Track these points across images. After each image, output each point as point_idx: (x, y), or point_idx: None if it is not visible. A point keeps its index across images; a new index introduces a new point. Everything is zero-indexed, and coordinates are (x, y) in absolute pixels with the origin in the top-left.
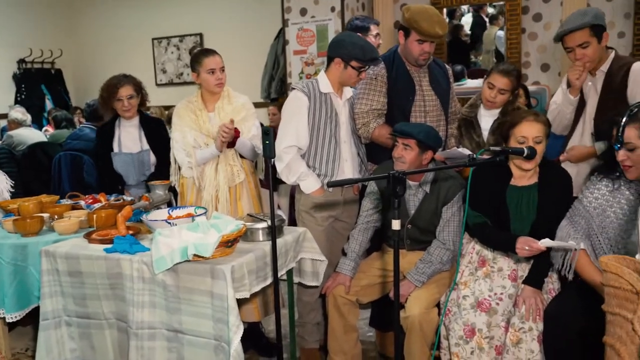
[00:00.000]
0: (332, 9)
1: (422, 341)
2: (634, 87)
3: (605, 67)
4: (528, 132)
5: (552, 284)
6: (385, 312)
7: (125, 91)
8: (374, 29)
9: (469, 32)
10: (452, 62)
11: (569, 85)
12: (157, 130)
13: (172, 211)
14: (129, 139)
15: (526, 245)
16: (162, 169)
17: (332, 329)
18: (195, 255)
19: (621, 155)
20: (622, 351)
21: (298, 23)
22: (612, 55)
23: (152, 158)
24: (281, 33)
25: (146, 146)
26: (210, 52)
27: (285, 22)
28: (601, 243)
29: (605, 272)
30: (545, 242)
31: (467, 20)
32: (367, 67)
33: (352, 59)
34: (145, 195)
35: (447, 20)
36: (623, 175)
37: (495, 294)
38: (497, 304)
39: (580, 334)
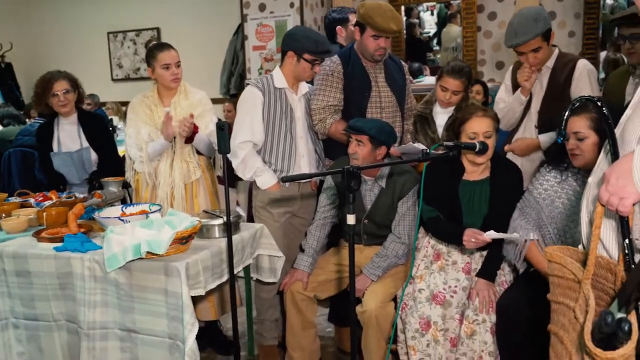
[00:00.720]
0: (291, 5)
1: (379, 335)
2: (578, 83)
3: (550, 63)
4: (478, 127)
5: (504, 276)
6: (343, 307)
7: (60, 85)
8: (353, 18)
9: (427, 30)
10: (409, 59)
11: (514, 85)
12: (97, 127)
13: (125, 208)
14: (68, 137)
15: (472, 237)
16: (105, 166)
17: (290, 325)
18: (148, 252)
19: (571, 144)
20: (565, 338)
21: (257, 18)
22: (556, 52)
23: (93, 155)
24: (240, 28)
25: (85, 144)
26: (166, 46)
27: (244, 18)
28: (550, 233)
29: (550, 262)
30: (491, 234)
31: (426, 18)
32: (320, 60)
33: (305, 52)
34: (98, 193)
35: (405, 18)
36: (571, 166)
37: (450, 286)
38: (452, 296)
39: (530, 323)
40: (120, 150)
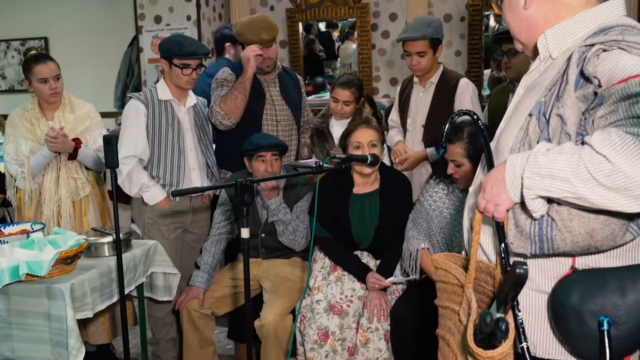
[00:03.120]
0: (188, 18)
1: (278, 349)
2: (460, 101)
3: (435, 79)
4: (362, 137)
5: (396, 285)
6: (243, 323)
7: None
8: None
9: (323, 47)
10: (309, 75)
11: (401, 105)
12: None
13: (4, 228)
14: None
15: (376, 283)
16: None
17: (188, 344)
18: (28, 274)
19: (450, 169)
20: (451, 341)
21: (153, 30)
22: (441, 68)
23: None
24: (135, 40)
25: None
26: (42, 58)
27: (138, 29)
28: (439, 242)
29: (436, 268)
30: (391, 279)
31: (324, 36)
32: (189, 63)
33: (172, 56)
34: None
35: (304, 34)
36: None
37: (346, 296)
38: (348, 305)
39: (422, 329)
40: (0, 167)
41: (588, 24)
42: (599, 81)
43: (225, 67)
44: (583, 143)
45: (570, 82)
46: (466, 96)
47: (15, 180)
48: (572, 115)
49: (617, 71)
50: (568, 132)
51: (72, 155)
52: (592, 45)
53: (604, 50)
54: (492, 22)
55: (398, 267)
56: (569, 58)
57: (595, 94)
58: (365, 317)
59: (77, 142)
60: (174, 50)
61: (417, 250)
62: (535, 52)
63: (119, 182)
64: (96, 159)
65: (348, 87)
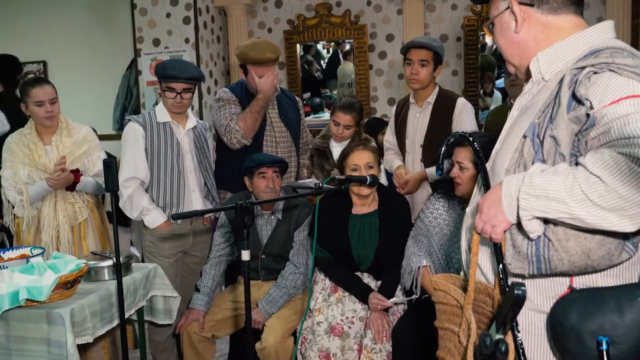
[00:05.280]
0: (187, 40)
1: None
2: (459, 120)
3: (431, 98)
4: (359, 159)
5: (397, 305)
6: (243, 345)
7: None
8: None
9: (320, 67)
10: (306, 96)
11: (397, 126)
12: None
13: (3, 253)
14: None
15: (378, 304)
16: None
17: None
18: (28, 299)
19: (454, 172)
20: None
21: (151, 53)
22: (438, 88)
23: None
24: (133, 63)
25: None
26: (39, 82)
27: (137, 52)
28: (440, 259)
29: (435, 290)
30: (393, 300)
31: (325, 56)
32: (172, 87)
33: (159, 78)
34: None
35: (302, 54)
36: (457, 196)
37: (347, 317)
38: (349, 327)
39: (423, 350)
40: None
41: (579, 47)
42: (590, 103)
43: (223, 88)
44: (577, 164)
45: (562, 104)
46: (464, 116)
47: (14, 207)
48: (565, 136)
49: (608, 93)
50: (562, 153)
51: (70, 188)
52: (583, 67)
53: (595, 73)
54: (488, 41)
55: (399, 287)
56: (561, 80)
57: (588, 115)
58: (368, 338)
59: (77, 176)
60: (159, 72)
61: (419, 267)
62: (528, 75)
63: (120, 204)
64: (95, 186)
65: (349, 111)
